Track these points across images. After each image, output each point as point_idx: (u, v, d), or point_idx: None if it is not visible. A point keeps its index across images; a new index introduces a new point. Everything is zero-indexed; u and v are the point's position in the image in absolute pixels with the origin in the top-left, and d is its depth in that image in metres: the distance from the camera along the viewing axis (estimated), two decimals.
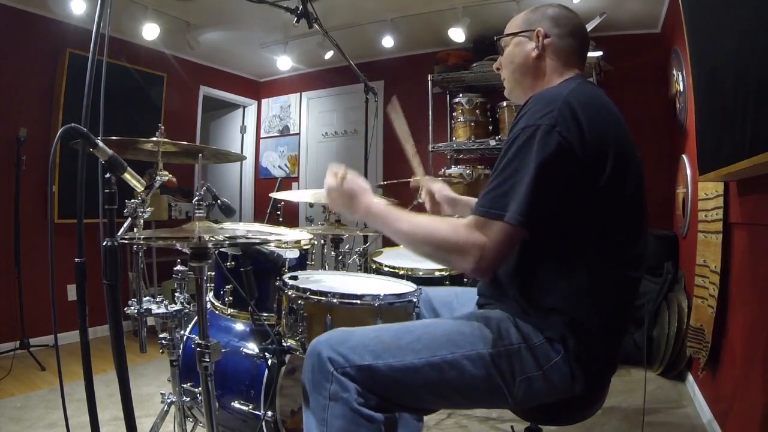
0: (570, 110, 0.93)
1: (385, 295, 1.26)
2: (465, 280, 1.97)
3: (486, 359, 0.98)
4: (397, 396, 0.98)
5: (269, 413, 1.50)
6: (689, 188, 2.69)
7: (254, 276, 1.54)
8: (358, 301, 1.26)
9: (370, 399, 0.95)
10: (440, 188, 1.53)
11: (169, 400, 1.65)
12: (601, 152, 0.95)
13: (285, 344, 1.41)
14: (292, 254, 1.69)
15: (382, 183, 2.97)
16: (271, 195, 2.08)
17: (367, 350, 0.98)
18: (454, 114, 3.88)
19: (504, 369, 0.98)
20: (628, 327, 1.09)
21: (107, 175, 1.17)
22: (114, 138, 1.39)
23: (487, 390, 0.99)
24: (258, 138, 5.51)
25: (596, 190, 0.95)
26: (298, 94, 5.23)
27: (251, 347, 1.61)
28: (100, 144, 1.11)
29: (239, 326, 1.70)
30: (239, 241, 1.28)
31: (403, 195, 2.46)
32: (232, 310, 1.68)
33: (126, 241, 1.17)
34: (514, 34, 1.17)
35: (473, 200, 1.44)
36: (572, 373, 0.98)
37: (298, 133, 5.24)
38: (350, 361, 0.96)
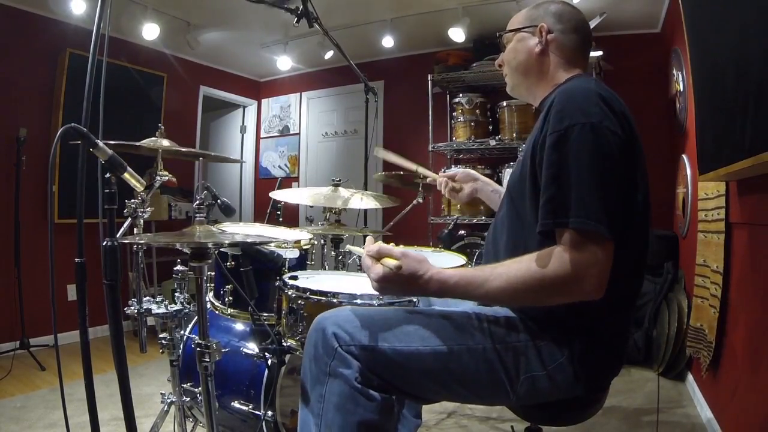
0: (607, 104, 0.92)
1: None
2: None
3: (492, 353, 0.98)
4: (399, 380, 0.98)
5: (269, 413, 1.50)
6: (689, 188, 2.69)
7: (254, 276, 1.54)
8: (358, 301, 1.26)
9: (371, 379, 0.95)
10: (461, 172, 1.52)
11: (169, 400, 1.65)
12: (634, 145, 0.94)
13: (285, 344, 1.42)
14: (292, 254, 1.69)
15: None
16: (271, 195, 2.08)
17: (373, 331, 0.97)
18: (454, 114, 3.88)
19: (509, 365, 0.98)
20: (632, 329, 1.09)
21: (107, 175, 1.17)
22: (112, 143, 1.39)
23: (489, 384, 0.99)
24: (258, 138, 5.51)
25: (641, 184, 0.94)
26: (298, 94, 5.24)
27: (251, 347, 1.61)
28: (100, 144, 1.11)
29: (239, 326, 1.70)
30: (239, 241, 1.28)
31: (403, 195, 2.46)
32: (232, 310, 1.68)
33: (127, 242, 1.17)
34: (517, 30, 1.17)
35: (491, 182, 1.48)
36: (576, 375, 0.98)
37: (298, 133, 5.24)
38: (355, 340, 0.95)
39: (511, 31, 1.18)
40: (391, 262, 0.92)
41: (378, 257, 0.94)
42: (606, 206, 0.86)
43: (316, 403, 0.95)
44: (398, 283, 0.93)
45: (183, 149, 1.59)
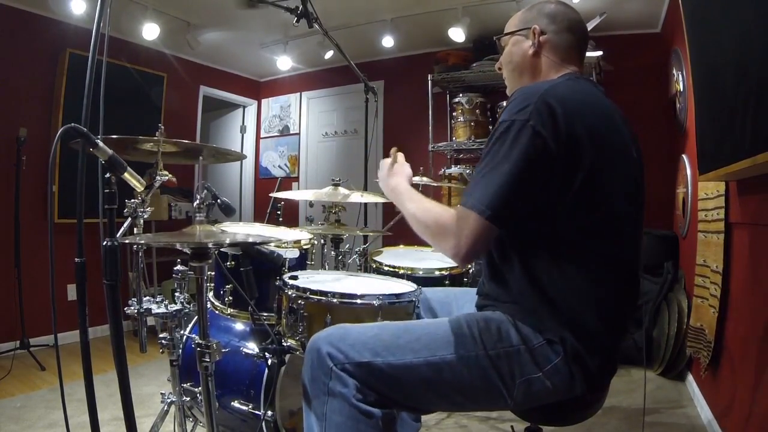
0: (546, 104, 0.94)
1: (384, 294, 1.26)
2: (465, 279, 1.97)
3: (485, 361, 0.98)
4: (396, 394, 0.99)
5: (269, 413, 1.50)
6: (689, 188, 2.69)
7: (254, 276, 1.53)
8: (358, 301, 1.26)
9: (368, 395, 0.96)
10: None
11: (169, 400, 1.65)
12: (577, 146, 0.94)
13: (285, 344, 1.42)
14: (292, 254, 1.69)
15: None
16: (271, 195, 2.08)
17: (366, 347, 0.98)
18: (454, 114, 3.88)
19: (503, 371, 0.98)
20: (627, 328, 1.09)
21: (107, 175, 1.16)
22: (114, 137, 1.39)
23: (485, 391, 0.99)
24: (258, 138, 5.51)
25: (576, 184, 0.95)
26: (298, 94, 5.23)
27: (251, 347, 1.61)
28: (100, 144, 1.11)
29: (239, 326, 1.70)
30: (239, 240, 1.28)
31: None
32: (232, 310, 1.68)
33: (127, 242, 1.17)
34: (512, 33, 1.19)
35: None
36: (571, 375, 0.98)
37: (298, 133, 5.24)
38: (349, 358, 0.97)
39: (506, 34, 1.20)
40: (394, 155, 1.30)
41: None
42: (497, 200, 0.93)
43: (317, 422, 0.96)
44: (385, 171, 1.27)
45: (184, 141, 1.59)
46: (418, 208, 1.09)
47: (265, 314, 1.57)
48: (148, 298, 1.55)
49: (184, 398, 1.62)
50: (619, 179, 0.99)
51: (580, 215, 0.97)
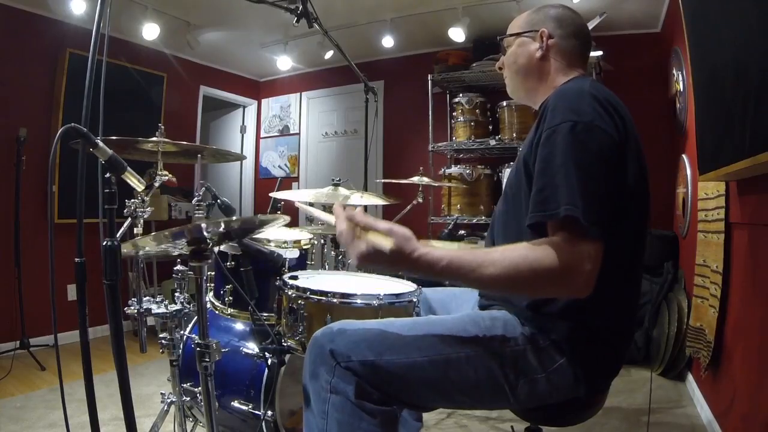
0: (599, 103, 0.92)
1: (384, 294, 1.26)
2: None
3: (491, 360, 0.97)
4: (400, 392, 0.98)
5: (269, 413, 1.50)
6: (689, 188, 2.69)
7: (254, 276, 1.54)
8: (358, 301, 1.26)
9: (371, 393, 0.95)
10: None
11: (169, 400, 1.65)
12: (625, 146, 0.93)
13: (285, 344, 1.42)
14: (292, 254, 1.69)
15: (382, 180, 2.73)
16: (271, 195, 2.08)
17: (370, 346, 0.97)
18: (454, 114, 3.88)
19: (508, 370, 0.97)
20: (633, 330, 1.08)
21: (107, 175, 1.16)
22: (114, 138, 1.39)
23: (489, 390, 0.98)
24: (258, 138, 5.51)
25: (622, 185, 0.94)
26: (298, 94, 5.24)
27: (251, 347, 1.61)
28: (100, 144, 1.11)
29: (239, 326, 1.70)
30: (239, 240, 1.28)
31: (403, 195, 2.46)
32: (232, 310, 1.68)
33: (126, 247, 1.17)
34: (518, 35, 1.17)
35: None
36: (576, 376, 0.98)
37: (298, 133, 5.24)
38: (354, 355, 0.96)
39: (511, 35, 1.19)
40: (381, 241, 0.83)
41: (363, 229, 0.87)
42: (595, 206, 0.85)
43: (319, 419, 0.95)
44: (383, 262, 0.87)
45: (184, 142, 1.59)
46: (509, 269, 0.85)
47: (265, 314, 1.57)
48: (148, 298, 1.55)
49: (184, 398, 1.62)
50: (636, 178, 0.97)
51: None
